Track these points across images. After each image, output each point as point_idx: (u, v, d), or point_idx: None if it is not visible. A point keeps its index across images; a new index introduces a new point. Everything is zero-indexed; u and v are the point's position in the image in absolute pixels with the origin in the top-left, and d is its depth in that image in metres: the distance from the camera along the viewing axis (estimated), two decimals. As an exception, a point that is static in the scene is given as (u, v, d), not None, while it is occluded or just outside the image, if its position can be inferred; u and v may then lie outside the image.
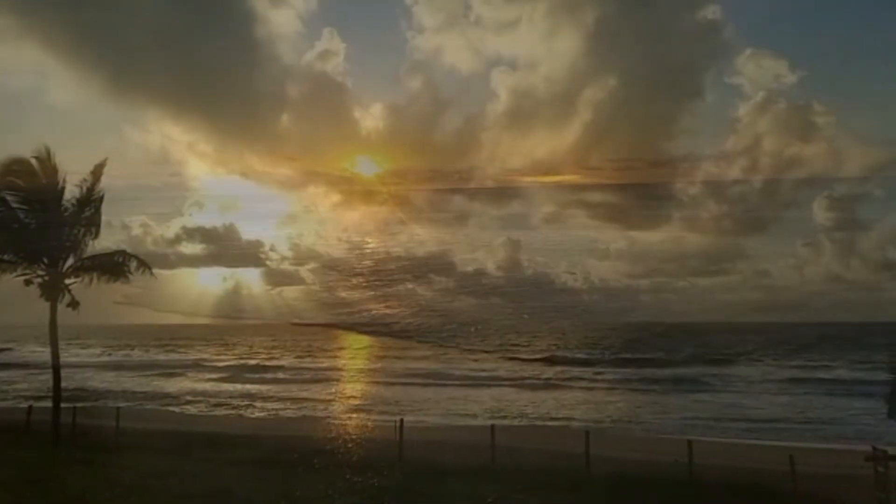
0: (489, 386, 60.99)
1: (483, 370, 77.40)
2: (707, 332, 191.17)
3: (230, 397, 54.05)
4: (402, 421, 21.08)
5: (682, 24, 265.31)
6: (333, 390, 58.57)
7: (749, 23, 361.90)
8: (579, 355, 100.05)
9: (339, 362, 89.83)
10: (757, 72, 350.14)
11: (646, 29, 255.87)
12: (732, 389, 57.33)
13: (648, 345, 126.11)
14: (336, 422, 40.62)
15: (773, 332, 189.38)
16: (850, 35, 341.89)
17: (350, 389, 59.15)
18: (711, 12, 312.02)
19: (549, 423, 39.84)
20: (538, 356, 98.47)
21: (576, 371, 75.06)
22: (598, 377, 68.65)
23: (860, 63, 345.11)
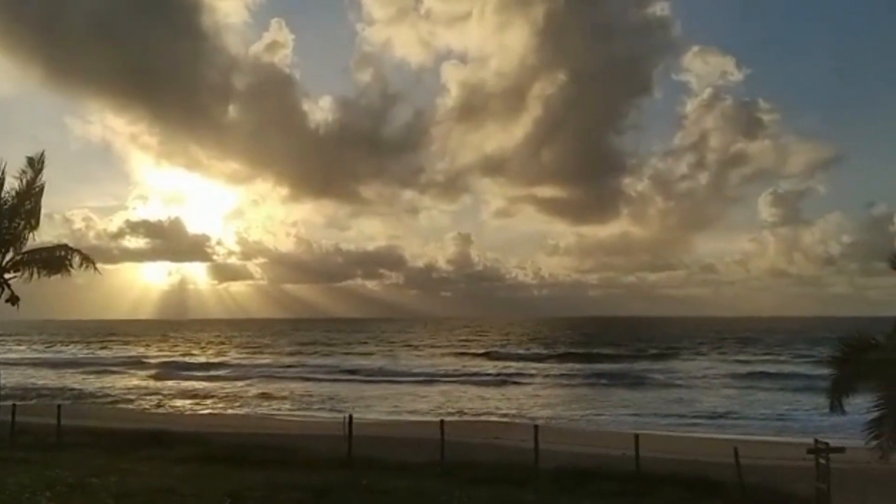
0: (438, 382, 61.01)
1: (432, 365, 77.57)
2: (654, 327, 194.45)
3: (173, 394, 53.31)
4: (350, 416, 20.92)
5: (631, 20, 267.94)
6: (279, 386, 58.06)
7: (696, 20, 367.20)
8: (529, 350, 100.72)
9: (285, 359, 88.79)
10: (704, 69, 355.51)
11: (595, 24, 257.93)
12: (679, 384, 58.20)
13: (597, 339, 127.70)
14: (282, 418, 40.27)
15: (718, 326, 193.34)
16: (795, 33, 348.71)
17: (296, 386, 58.65)
18: (660, 9, 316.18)
19: (499, 419, 39.98)
20: (487, 351, 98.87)
21: (525, 366, 75.58)
22: (548, 372, 69.19)
23: (805, 61, 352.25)
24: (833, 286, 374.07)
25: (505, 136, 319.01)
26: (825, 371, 15.11)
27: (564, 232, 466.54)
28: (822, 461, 15.87)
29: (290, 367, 76.34)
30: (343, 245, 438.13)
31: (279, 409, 45.26)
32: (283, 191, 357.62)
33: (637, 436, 18.27)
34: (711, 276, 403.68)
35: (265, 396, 51.60)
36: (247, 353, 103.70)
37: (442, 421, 20.83)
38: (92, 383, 61.63)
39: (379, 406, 46.12)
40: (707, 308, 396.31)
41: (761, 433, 34.87)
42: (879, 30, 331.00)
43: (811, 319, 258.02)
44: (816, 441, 16.36)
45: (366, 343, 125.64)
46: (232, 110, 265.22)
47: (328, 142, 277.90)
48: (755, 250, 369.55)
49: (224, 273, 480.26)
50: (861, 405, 13.73)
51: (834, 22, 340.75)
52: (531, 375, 66.28)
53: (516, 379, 63.30)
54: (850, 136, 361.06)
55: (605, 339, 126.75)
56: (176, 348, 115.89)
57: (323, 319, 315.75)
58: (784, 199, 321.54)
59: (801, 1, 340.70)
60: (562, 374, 66.89)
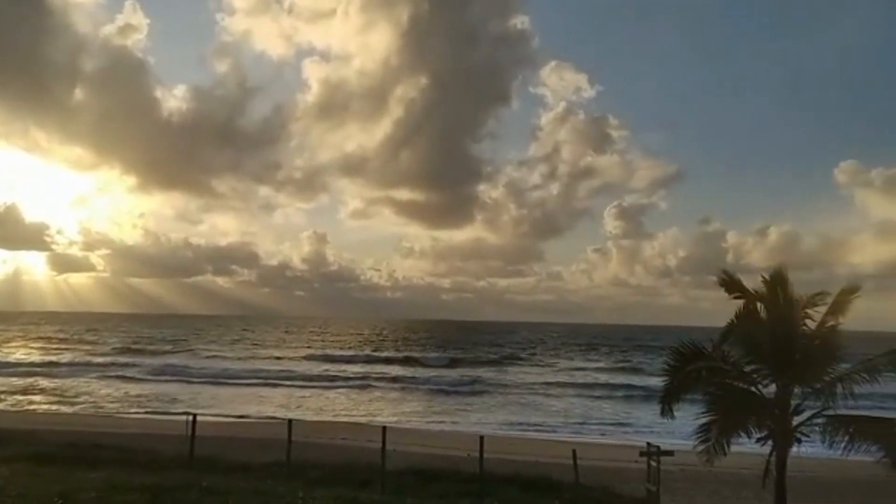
0: (284, 384, 60.02)
1: (278, 365, 76.49)
2: (503, 332, 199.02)
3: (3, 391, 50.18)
4: (195, 416, 20.34)
5: (492, 30, 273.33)
6: (117, 385, 55.72)
7: (554, 36, 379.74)
8: (379, 353, 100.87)
9: (123, 357, 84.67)
10: (559, 84, 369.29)
11: (458, 32, 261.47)
12: (523, 389, 59.77)
13: (448, 343, 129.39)
14: (120, 417, 38.69)
15: (562, 332, 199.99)
16: (644, 55, 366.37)
17: (133, 385, 56.34)
18: (520, 22, 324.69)
19: (348, 419, 39.89)
20: (337, 352, 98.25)
21: (374, 368, 75.67)
22: (397, 374, 69.49)
23: (651, 82, 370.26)
24: (668, 297, 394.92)
25: (365, 136, 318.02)
26: (658, 379, 15.89)
27: (420, 235, 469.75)
28: (653, 463, 16.72)
29: (127, 365, 72.82)
30: (193, 239, 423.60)
31: (116, 408, 43.41)
32: (131, 180, 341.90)
33: (482, 437, 18.66)
34: (558, 283, 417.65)
35: (99, 394, 49.38)
36: (82, 348, 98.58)
37: (290, 421, 20.57)
38: None
39: (220, 407, 44.92)
40: (553, 314, 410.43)
41: (599, 437, 36.35)
42: (720, 56, 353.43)
43: (647, 328, 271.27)
44: (648, 444, 17.22)
45: (213, 342, 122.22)
46: (78, 93, 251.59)
47: (181, 131, 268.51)
48: (599, 260, 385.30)
49: (64, 264, 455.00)
50: (690, 411, 14.59)
51: (680, 46, 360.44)
52: (380, 378, 66.28)
53: (365, 381, 63.12)
54: (689, 155, 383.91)
55: (455, 343, 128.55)
56: (4, 341, 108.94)
57: (169, 315, 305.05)
58: (628, 213, 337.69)
59: (651, 24, 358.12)
60: (411, 377, 67.21)
